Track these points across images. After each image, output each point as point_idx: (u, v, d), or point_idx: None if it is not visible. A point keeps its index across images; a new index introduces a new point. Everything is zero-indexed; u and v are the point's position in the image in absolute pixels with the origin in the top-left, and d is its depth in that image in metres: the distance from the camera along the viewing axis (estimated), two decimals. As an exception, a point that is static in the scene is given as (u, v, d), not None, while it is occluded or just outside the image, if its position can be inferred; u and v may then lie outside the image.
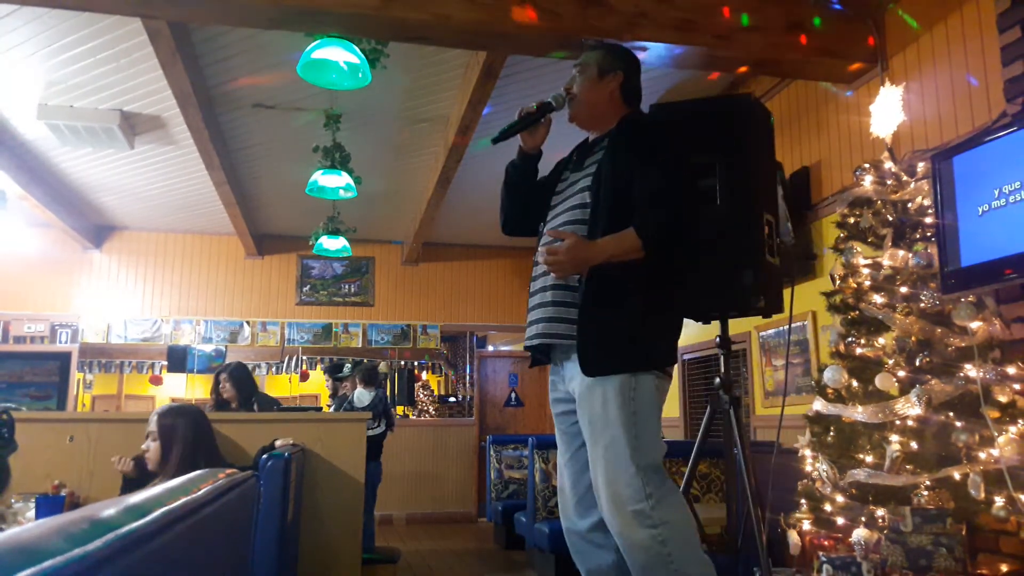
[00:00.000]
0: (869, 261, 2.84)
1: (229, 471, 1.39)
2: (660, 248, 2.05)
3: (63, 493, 2.72)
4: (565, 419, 2.20)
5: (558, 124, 2.33)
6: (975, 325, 2.51)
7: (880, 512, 2.49)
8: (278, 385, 9.90)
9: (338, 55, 3.38)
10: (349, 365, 6.47)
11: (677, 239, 2.09)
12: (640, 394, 2.00)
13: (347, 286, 8.15)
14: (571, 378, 2.12)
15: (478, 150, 5.51)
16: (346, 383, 6.11)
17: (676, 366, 5.49)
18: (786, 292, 2.47)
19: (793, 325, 3.96)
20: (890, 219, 2.85)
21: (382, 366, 8.45)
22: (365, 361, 6.90)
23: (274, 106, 4.90)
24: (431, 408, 9.30)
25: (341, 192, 4.72)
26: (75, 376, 7.40)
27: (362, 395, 5.88)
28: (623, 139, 2.17)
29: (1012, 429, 2.34)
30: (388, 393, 8.50)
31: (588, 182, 2.17)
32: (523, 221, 2.39)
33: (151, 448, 2.75)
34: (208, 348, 7.81)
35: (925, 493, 2.44)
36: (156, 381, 9.77)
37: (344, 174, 4.60)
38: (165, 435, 2.75)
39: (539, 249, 2.21)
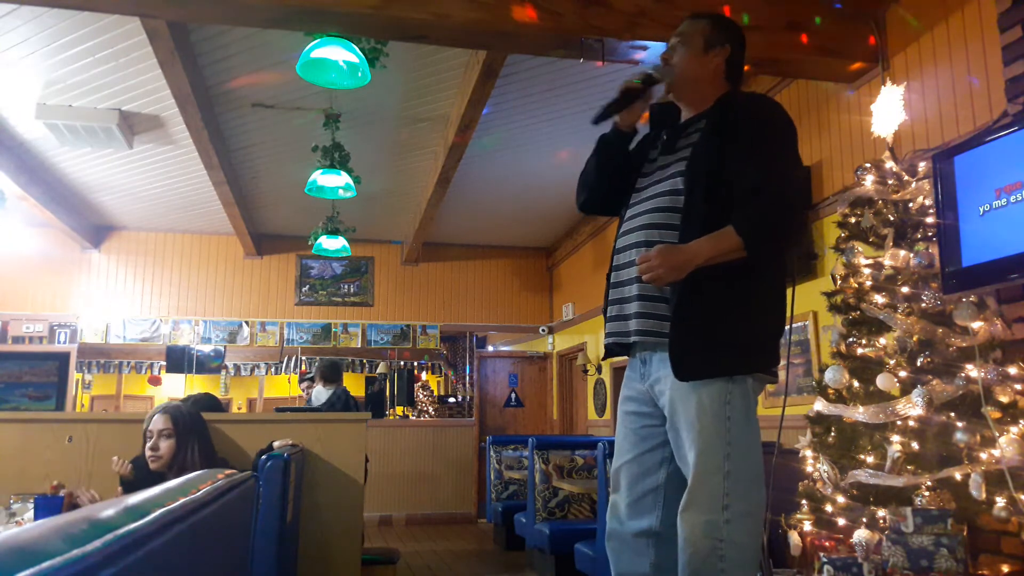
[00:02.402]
0: (870, 261, 2.83)
1: (228, 472, 1.38)
2: (764, 247, 1.88)
3: (62, 493, 2.71)
4: (636, 419, 2.05)
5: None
6: (976, 325, 2.51)
7: (881, 513, 2.49)
8: (278, 385, 9.90)
9: (338, 54, 3.37)
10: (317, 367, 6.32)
11: (784, 237, 1.92)
12: (736, 399, 1.86)
13: (346, 286, 8.14)
14: (657, 379, 1.96)
15: (482, 150, 5.51)
16: (315, 383, 6.00)
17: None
18: (787, 292, 2.47)
19: (794, 325, 3.95)
20: (891, 219, 2.84)
21: (381, 366, 8.45)
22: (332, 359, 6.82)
23: (273, 106, 4.90)
24: (431, 408, 9.29)
25: (340, 192, 4.72)
26: (74, 376, 7.40)
27: (320, 393, 5.80)
28: (724, 121, 1.96)
29: (1013, 429, 2.33)
30: (389, 393, 8.50)
31: (681, 167, 1.97)
32: (606, 201, 2.20)
33: (163, 447, 2.73)
34: (207, 348, 7.81)
35: (926, 494, 2.43)
36: (155, 381, 9.77)
37: (343, 174, 4.59)
38: (183, 432, 2.75)
39: (621, 237, 2.07)
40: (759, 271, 1.91)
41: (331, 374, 5.89)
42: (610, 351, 2.13)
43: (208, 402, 3.50)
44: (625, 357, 2.13)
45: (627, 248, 2.04)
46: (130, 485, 2.85)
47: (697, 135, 2.00)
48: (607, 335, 2.09)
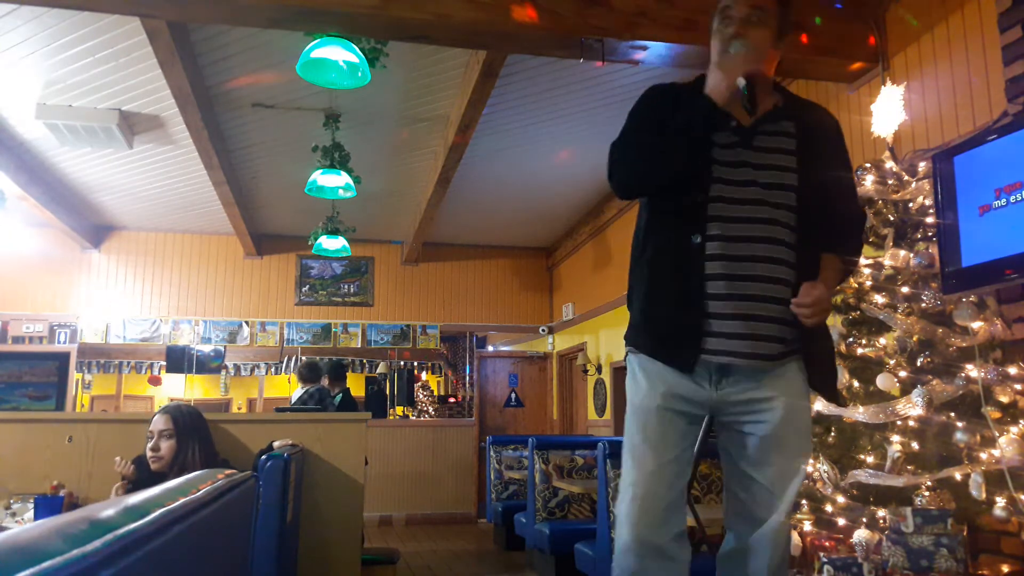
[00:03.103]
0: (870, 261, 2.83)
1: (228, 472, 1.38)
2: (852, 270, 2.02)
3: (62, 494, 2.71)
4: (683, 420, 1.90)
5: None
6: (976, 325, 2.51)
7: (881, 513, 2.49)
8: (278, 386, 9.90)
9: (337, 54, 3.37)
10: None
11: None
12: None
13: (346, 286, 8.14)
14: (757, 395, 1.85)
15: (482, 150, 5.51)
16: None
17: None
18: None
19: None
20: (891, 219, 2.84)
21: (381, 366, 8.45)
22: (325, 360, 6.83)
23: (273, 106, 4.90)
24: (431, 408, 9.29)
25: (340, 192, 4.72)
26: (74, 376, 7.39)
27: (298, 393, 5.86)
28: (816, 134, 1.92)
29: (1013, 429, 2.33)
30: (389, 393, 8.51)
31: (792, 180, 1.85)
32: (675, 180, 1.91)
33: (164, 447, 2.73)
34: (207, 348, 7.81)
35: (926, 494, 2.43)
36: (155, 381, 9.77)
37: (343, 174, 4.59)
38: (184, 433, 2.75)
39: (728, 242, 1.83)
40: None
41: (306, 374, 5.91)
42: (659, 353, 1.92)
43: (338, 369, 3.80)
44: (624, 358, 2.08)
45: (748, 259, 1.82)
46: (132, 485, 2.85)
47: (789, 140, 1.89)
48: (723, 352, 1.83)
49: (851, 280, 2.85)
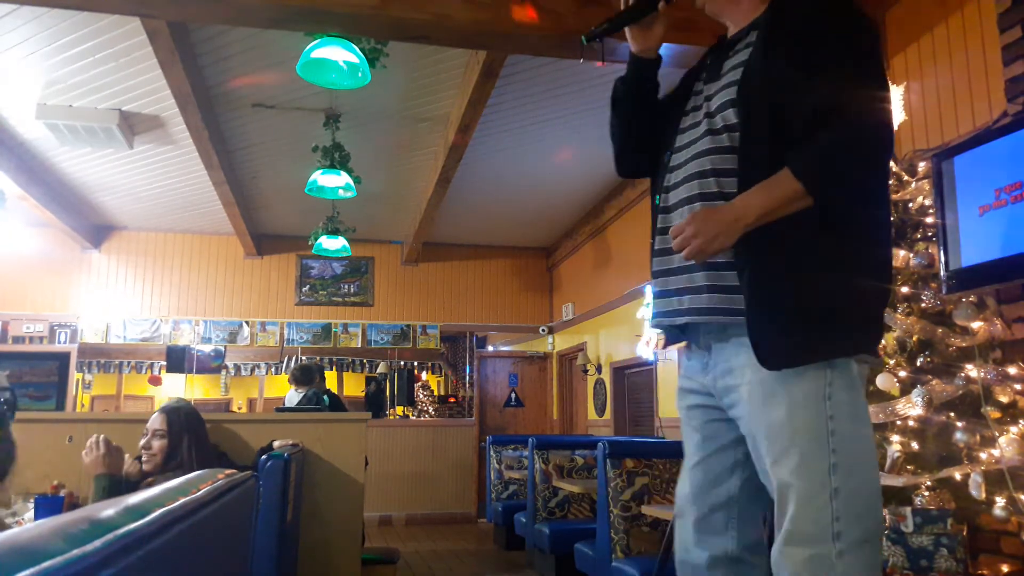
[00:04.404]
0: (870, 261, 2.83)
1: (228, 472, 1.38)
2: (835, 190, 1.45)
3: (62, 493, 2.71)
4: (700, 414, 1.63)
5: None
6: (976, 325, 2.51)
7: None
8: (278, 386, 9.90)
9: (338, 54, 3.38)
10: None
11: (863, 173, 1.46)
12: (839, 391, 1.43)
13: (347, 286, 8.15)
14: (728, 370, 1.52)
15: (481, 150, 5.51)
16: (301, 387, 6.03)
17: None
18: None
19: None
20: (891, 219, 2.84)
21: (382, 366, 8.45)
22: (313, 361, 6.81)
23: (274, 106, 4.90)
24: (431, 408, 9.29)
25: (340, 192, 4.72)
26: (74, 376, 7.40)
27: (292, 397, 5.83)
28: (783, 25, 1.51)
29: (1013, 429, 2.33)
30: (389, 393, 8.50)
31: (731, 94, 1.52)
32: (639, 155, 1.76)
33: (156, 446, 2.74)
34: (207, 348, 7.81)
35: (926, 493, 2.44)
36: (155, 381, 9.77)
37: (344, 174, 4.60)
38: (177, 433, 2.75)
39: (665, 192, 1.64)
40: (846, 222, 1.47)
41: (299, 377, 5.90)
42: (668, 337, 1.72)
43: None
44: (680, 345, 1.74)
45: (676, 206, 1.60)
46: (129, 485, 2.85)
47: (747, 51, 1.55)
48: (654, 315, 1.67)
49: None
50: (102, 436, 2.67)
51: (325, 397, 6.13)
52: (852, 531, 1.39)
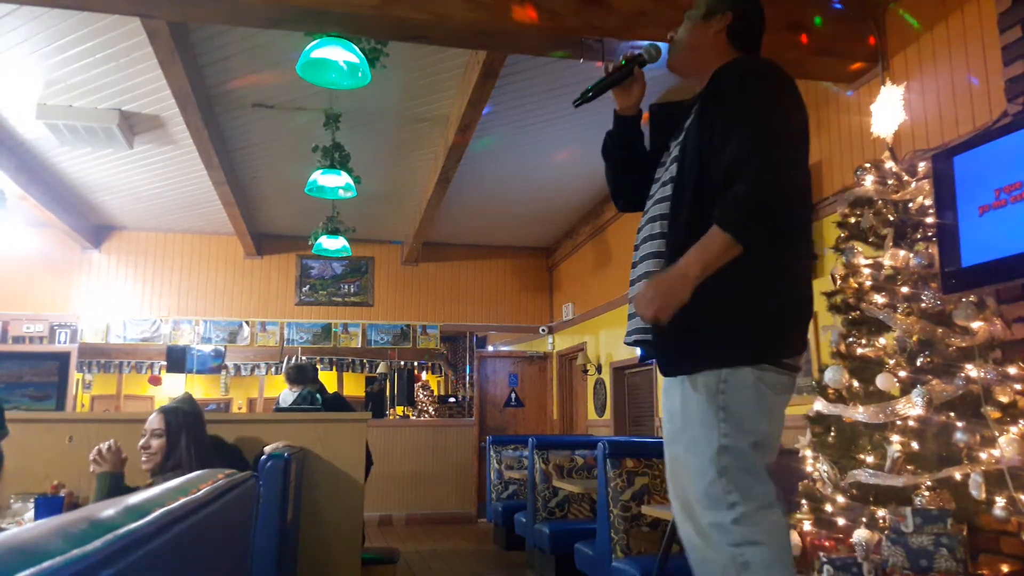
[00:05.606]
0: (870, 261, 2.83)
1: (228, 472, 1.38)
2: (758, 234, 1.60)
3: (62, 493, 2.71)
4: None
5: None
6: (976, 325, 2.51)
7: (881, 513, 2.49)
8: (278, 385, 9.89)
9: (338, 54, 3.37)
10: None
11: (780, 212, 1.61)
12: (732, 387, 1.63)
13: (346, 286, 8.15)
14: (665, 388, 1.83)
15: (479, 149, 5.51)
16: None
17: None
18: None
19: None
20: (891, 219, 2.84)
21: (382, 366, 8.45)
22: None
23: (274, 106, 4.90)
24: (431, 408, 9.29)
25: (340, 192, 4.72)
26: (74, 376, 7.40)
27: (286, 396, 5.81)
28: (714, 93, 1.75)
29: (1013, 429, 2.33)
30: (389, 393, 8.50)
31: (677, 152, 1.79)
32: (632, 198, 2.01)
33: (154, 445, 2.73)
34: (207, 348, 7.81)
35: (926, 494, 2.43)
36: (155, 381, 9.77)
37: (344, 174, 4.59)
38: (175, 433, 2.75)
39: (638, 232, 1.91)
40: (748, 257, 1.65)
41: (294, 376, 5.88)
42: (645, 356, 1.97)
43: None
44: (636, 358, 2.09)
45: (638, 245, 1.90)
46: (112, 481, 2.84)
47: (687, 122, 1.81)
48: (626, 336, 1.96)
49: (851, 280, 2.85)
50: (115, 442, 2.68)
51: (318, 395, 6.11)
52: (746, 500, 1.61)
